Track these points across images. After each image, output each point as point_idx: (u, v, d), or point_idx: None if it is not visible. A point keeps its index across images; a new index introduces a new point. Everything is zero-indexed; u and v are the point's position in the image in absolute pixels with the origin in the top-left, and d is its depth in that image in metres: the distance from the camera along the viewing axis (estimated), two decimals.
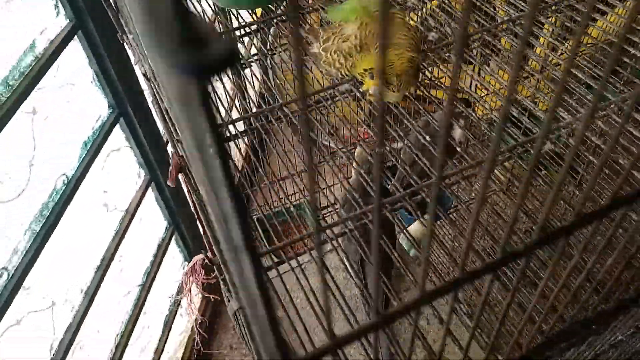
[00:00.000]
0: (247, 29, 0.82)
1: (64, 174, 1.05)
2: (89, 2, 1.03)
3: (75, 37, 1.05)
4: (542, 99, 0.93)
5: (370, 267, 0.88)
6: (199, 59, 0.15)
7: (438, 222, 1.41)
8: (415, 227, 1.01)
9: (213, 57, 0.15)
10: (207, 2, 0.85)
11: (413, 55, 0.59)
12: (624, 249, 0.36)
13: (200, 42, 0.15)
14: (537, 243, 0.28)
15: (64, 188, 1.04)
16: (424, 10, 0.93)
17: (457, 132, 0.68)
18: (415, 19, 1.45)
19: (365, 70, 0.62)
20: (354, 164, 0.83)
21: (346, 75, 0.67)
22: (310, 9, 0.79)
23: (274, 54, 0.86)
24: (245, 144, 0.92)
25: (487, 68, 0.74)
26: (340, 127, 0.69)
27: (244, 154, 1.42)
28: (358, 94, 0.67)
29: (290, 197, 0.70)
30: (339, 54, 0.64)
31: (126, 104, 1.21)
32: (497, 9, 1.21)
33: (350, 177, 1.04)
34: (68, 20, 1.04)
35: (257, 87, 1.40)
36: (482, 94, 1.15)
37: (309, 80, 0.85)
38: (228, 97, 0.85)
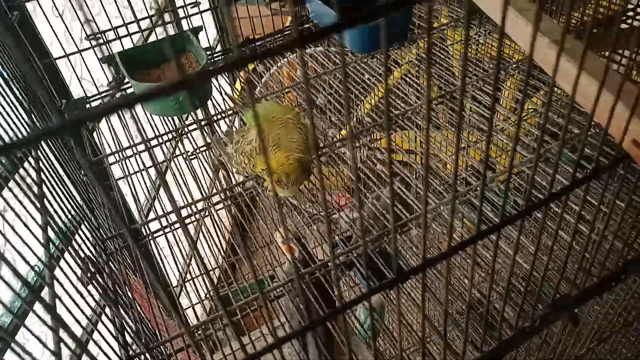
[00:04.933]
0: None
1: None
2: None
3: None
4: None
5: (310, 338, 0.92)
6: None
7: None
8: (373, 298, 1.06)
9: None
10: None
11: (300, 156, 0.67)
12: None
13: None
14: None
15: None
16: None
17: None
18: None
19: (262, 169, 0.70)
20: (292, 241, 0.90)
21: (251, 173, 0.75)
22: (230, 111, 0.89)
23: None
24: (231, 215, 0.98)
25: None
26: (321, 192, 0.78)
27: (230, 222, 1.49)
28: (259, 190, 0.75)
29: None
30: (244, 155, 0.73)
31: None
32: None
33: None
34: None
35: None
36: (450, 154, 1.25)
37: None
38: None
